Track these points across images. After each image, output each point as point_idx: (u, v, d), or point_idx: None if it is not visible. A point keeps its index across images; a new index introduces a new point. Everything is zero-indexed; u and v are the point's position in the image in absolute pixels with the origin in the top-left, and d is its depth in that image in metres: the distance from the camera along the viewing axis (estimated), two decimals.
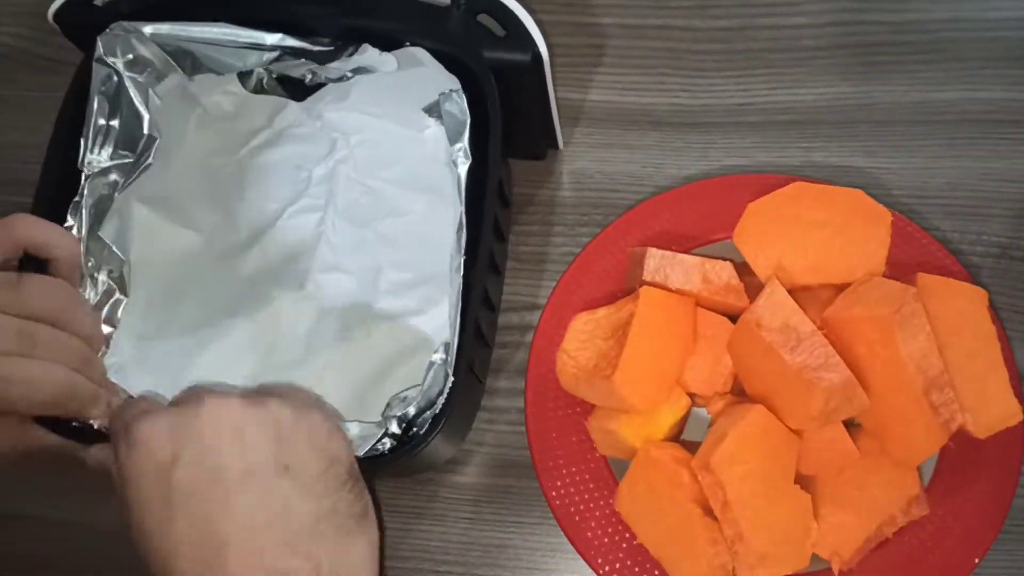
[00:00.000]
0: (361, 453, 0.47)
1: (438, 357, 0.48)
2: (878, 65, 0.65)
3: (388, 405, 0.49)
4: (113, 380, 0.51)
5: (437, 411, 0.48)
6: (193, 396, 0.41)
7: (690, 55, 0.67)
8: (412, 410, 0.48)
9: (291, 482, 0.40)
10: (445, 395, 0.48)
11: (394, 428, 0.48)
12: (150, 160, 0.55)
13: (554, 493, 0.55)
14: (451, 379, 0.48)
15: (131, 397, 0.49)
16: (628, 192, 0.64)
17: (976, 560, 0.52)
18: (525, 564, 0.58)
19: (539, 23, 0.53)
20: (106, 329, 0.53)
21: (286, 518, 0.39)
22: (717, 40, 0.67)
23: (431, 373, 0.48)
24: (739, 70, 0.66)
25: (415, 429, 0.48)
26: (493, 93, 0.51)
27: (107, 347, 0.53)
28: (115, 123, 0.55)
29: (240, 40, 0.55)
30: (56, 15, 0.55)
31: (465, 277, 0.49)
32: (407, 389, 0.49)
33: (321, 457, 0.41)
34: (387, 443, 0.48)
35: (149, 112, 0.55)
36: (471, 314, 0.49)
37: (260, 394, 0.42)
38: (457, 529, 0.58)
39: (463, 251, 0.50)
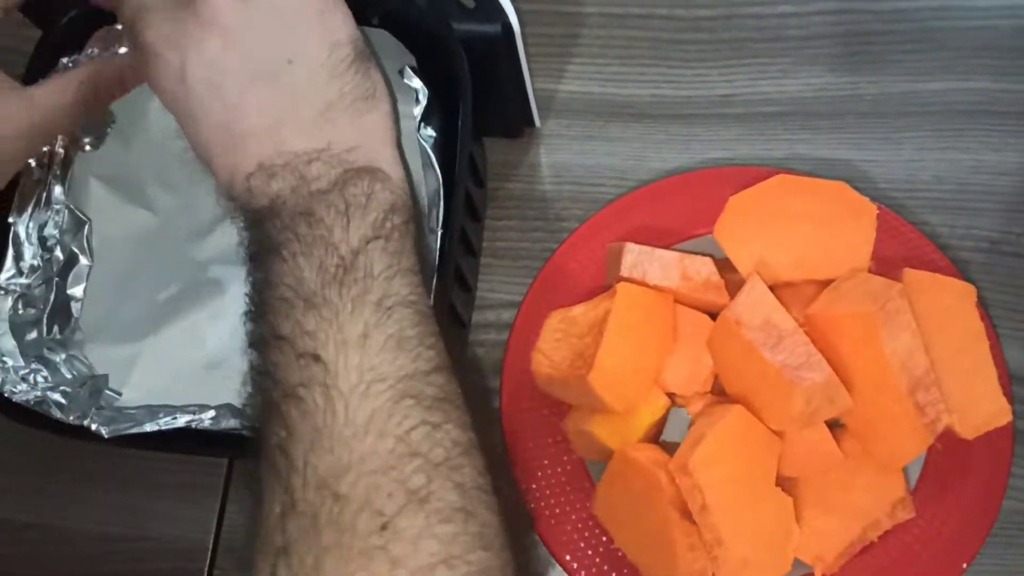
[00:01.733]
0: None
1: None
2: (865, 55, 0.63)
3: None
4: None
5: None
6: None
7: (673, 45, 0.65)
8: None
9: (296, 74, 0.41)
10: None
11: None
12: (107, 133, 0.55)
13: (529, 495, 0.54)
14: None
15: None
16: (609, 186, 0.62)
17: (964, 565, 0.50)
18: None
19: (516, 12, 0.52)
20: (77, 293, 0.53)
21: (296, 108, 0.41)
22: (701, 29, 0.65)
23: None
24: (723, 60, 0.64)
25: None
26: (463, 63, 0.49)
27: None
28: None
29: None
30: None
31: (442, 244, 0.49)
32: None
33: (323, 44, 0.41)
34: None
35: None
36: (443, 293, 0.48)
37: None
38: None
39: (439, 225, 0.49)
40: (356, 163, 0.41)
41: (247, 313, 0.40)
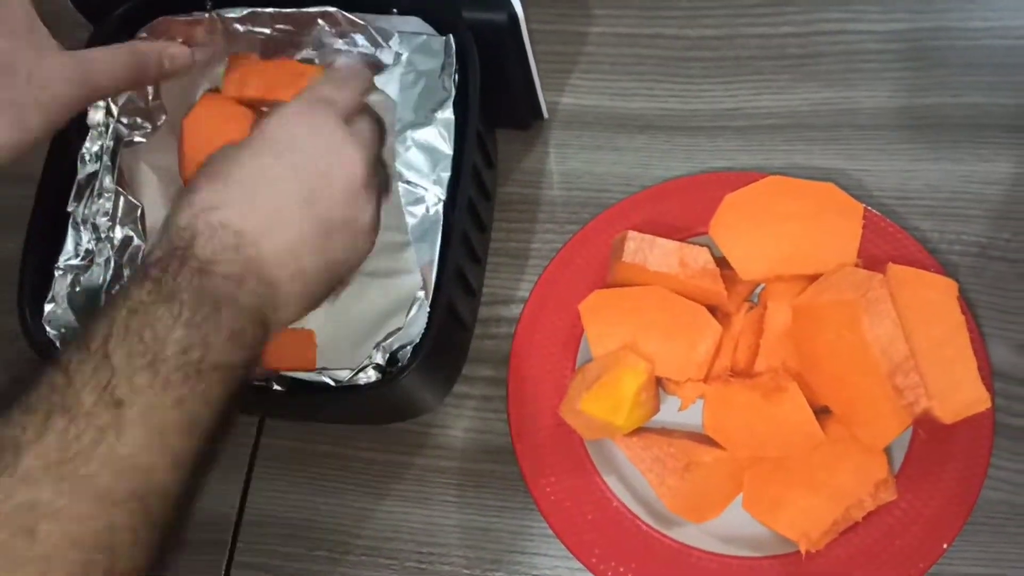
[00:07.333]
0: (346, 380, 0.51)
1: (421, 294, 0.51)
2: (862, 72, 0.67)
3: (376, 345, 0.52)
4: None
5: (417, 342, 0.51)
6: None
7: (680, 62, 0.69)
8: (396, 344, 0.51)
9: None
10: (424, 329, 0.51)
11: (379, 359, 0.51)
12: (159, 125, 0.59)
13: (531, 474, 0.57)
14: (426, 310, 0.51)
15: None
16: (616, 191, 0.66)
17: (944, 545, 0.52)
18: (506, 547, 0.59)
19: (533, 32, 0.57)
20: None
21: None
22: (706, 48, 0.69)
23: (414, 309, 0.51)
24: (727, 77, 0.68)
25: (399, 363, 0.51)
26: (471, 46, 0.54)
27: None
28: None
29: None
30: None
31: (445, 225, 0.52)
32: (392, 332, 0.52)
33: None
34: (372, 375, 0.51)
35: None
36: (451, 256, 0.51)
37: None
38: (441, 512, 0.60)
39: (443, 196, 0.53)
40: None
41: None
